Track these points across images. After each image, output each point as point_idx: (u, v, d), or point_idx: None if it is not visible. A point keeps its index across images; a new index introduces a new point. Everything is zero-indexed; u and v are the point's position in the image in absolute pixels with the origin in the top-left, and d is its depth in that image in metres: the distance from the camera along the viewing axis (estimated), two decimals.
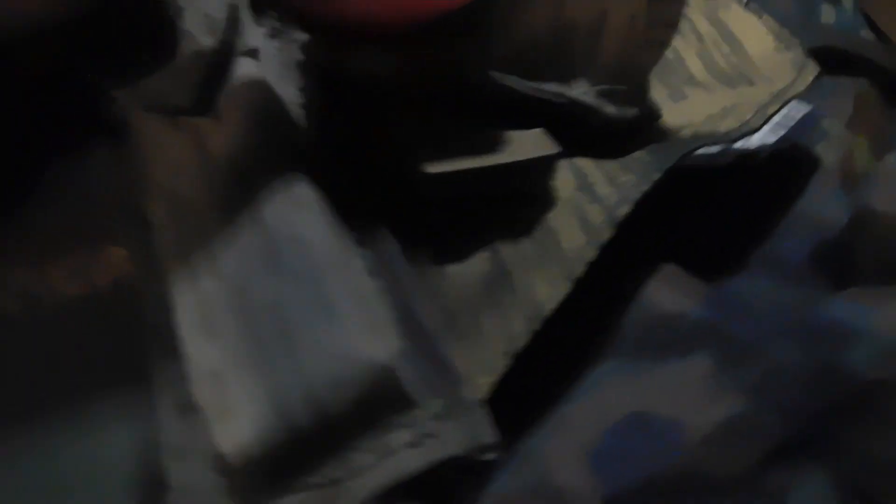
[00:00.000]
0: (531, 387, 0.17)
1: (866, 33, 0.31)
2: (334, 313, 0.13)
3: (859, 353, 0.17)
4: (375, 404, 0.12)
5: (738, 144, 0.20)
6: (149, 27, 0.15)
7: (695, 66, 0.25)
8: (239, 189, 0.15)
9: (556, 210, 0.18)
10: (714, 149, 0.20)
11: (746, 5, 0.28)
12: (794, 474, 0.16)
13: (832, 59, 0.27)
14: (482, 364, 0.16)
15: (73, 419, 0.15)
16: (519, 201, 0.18)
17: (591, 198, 0.18)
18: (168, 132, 0.16)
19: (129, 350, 0.15)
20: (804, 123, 0.24)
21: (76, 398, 0.16)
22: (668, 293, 0.18)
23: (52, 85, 0.16)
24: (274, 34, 0.17)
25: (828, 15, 0.30)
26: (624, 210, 0.17)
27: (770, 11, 0.28)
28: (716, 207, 0.21)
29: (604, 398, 0.17)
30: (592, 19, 0.18)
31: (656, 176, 0.17)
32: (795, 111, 0.23)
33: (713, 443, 0.16)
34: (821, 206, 0.22)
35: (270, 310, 0.13)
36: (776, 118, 0.23)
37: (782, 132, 0.22)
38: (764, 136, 0.22)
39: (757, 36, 0.26)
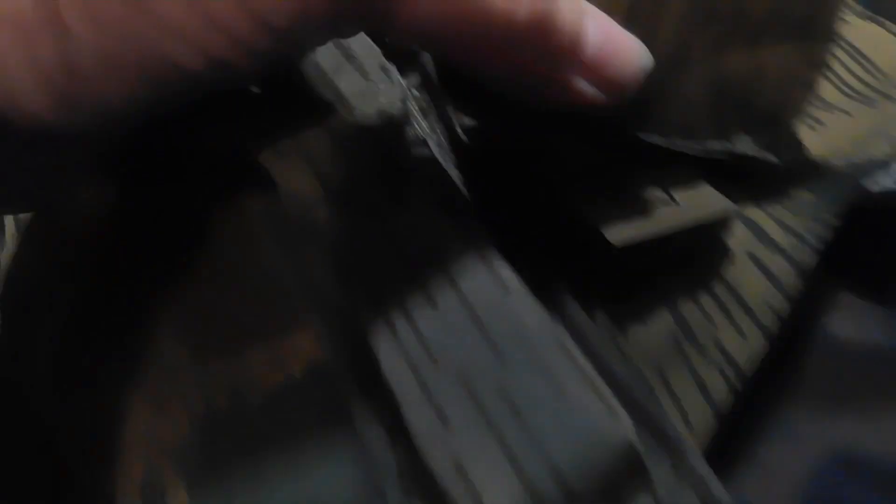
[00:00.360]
0: (724, 429, 0.17)
1: None
2: (568, 395, 0.13)
3: None
4: (620, 480, 0.13)
5: None
6: None
7: (825, 90, 0.25)
8: (437, 273, 0.16)
9: (734, 263, 0.18)
10: (884, 182, 0.19)
11: (864, 14, 0.27)
12: None
13: None
14: (688, 426, 0.16)
15: None
16: (696, 258, 0.18)
17: (768, 247, 0.18)
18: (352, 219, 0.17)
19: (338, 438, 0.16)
20: None
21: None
22: (853, 324, 0.18)
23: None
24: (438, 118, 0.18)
25: None
26: (810, 258, 0.17)
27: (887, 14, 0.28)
28: (882, 230, 0.21)
29: (803, 441, 0.17)
30: (748, 74, 0.18)
31: (832, 219, 0.17)
32: None
33: None
34: None
35: (500, 396, 0.14)
36: None
37: None
38: None
39: (884, 46, 0.26)
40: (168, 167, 0.18)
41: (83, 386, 0.19)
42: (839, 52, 0.26)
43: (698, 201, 0.17)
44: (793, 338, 0.18)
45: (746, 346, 0.17)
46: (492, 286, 0.15)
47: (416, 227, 0.16)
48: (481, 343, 0.14)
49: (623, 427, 0.13)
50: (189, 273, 0.19)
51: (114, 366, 0.19)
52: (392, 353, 0.15)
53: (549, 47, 0.14)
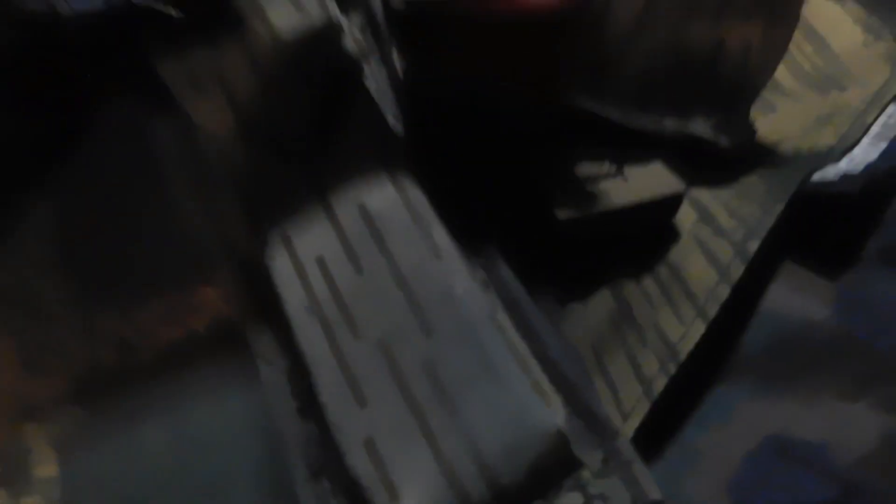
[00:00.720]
0: (658, 413, 0.16)
1: None
2: (499, 376, 0.12)
3: None
4: (549, 469, 0.12)
5: (846, 166, 0.19)
6: None
7: (780, 71, 0.24)
8: (364, 227, 0.14)
9: (679, 245, 0.17)
10: (829, 174, 0.19)
11: None
12: None
13: None
14: (619, 409, 0.15)
15: None
16: (641, 237, 0.17)
17: (714, 231, 0.17)
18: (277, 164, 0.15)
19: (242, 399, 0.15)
20: None
21: None
22: (797, 299, 0.18)
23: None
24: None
25: None
26: (754, 245, 0.16)
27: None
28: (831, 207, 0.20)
29: (737, 424, 0.17)
30: (708, 48, 0.17)
31: (778, 207, 0.17)
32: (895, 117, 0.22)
33: (872, 462, 0.16)
34: None
35: (424, 371, 0.12)
36: (875, 128, 0.22)
37: (884, 144, 0.21)
38: (866, 153, 0.21)
39: (842, 29, 0.25)
40: (73, 85, 0.16)
41: None
42: (797, 34, 0.25)
43: (649, 181, 0.16)
44: (734, 321, 0.18)
45: (684, 329, 0.17)
46: (423, 249, 0.14)
47: (342, 176, 0.15)
48: (407, 310, 0.13)
49: (553, 412, 0.12)
50: (81, 203, 0.17)
51: None
52: (305, 316, 0.13)
53: None
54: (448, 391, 0.12)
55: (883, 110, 0.22)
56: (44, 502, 0.15)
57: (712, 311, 0.16)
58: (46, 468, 0.15)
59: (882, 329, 0.18)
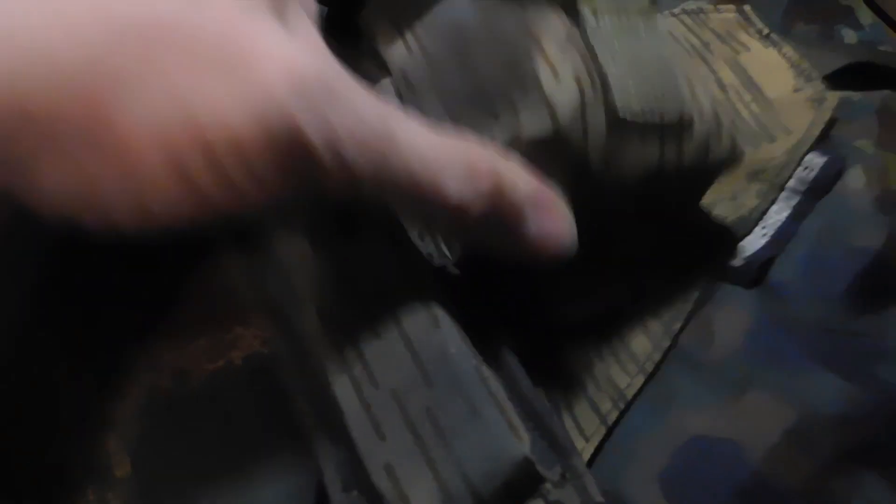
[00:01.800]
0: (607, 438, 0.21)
1: (887, 47, 0.32)
2: (481, 419, 0.17)
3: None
4: (519, 485, 0.17)
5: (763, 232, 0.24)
6: None
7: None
8: (381, 305, 0.19)
9: (627, 324, 0.22)
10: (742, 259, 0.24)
11: (767, 37, 0.29)
12: (855, 483, 0.20)
13: (858, 76, 0.29)
14: (582, 435, 0.21)
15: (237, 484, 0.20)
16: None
17: (652, 315, 0.22)
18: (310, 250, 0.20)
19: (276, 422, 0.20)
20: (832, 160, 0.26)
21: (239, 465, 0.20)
22: (724, 313, 0.23)
23: None
24: None
25: (849, 37, 0.32)
26: (678, 325, 0.22)
27: (792, 38, 0.30)
28: None
29: (670, 424, 0.21)
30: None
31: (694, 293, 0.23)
32: (813, 161, 0.26)
33: (775, 458, 0.20)
34: (855, 229, 0.24)
35: (426, 414, 0.17)
36: (791, 181, 0.25)
37: (797, 198, 0.25)
38: (780, 210, 0.24)
39: (777, 75, 0.28)
40: None
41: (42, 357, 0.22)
42: (737, 84, 0.28)
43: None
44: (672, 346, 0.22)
45: (629, 379, 0.22)
46: (426, 320, 0.18)
47: (364, 261, 0.19)
48: (413, 368, 0.18)
49: (522, 444, 0.17)
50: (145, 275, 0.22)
51: (68, 341, 0.22)
52: (340, 373, 0.18)
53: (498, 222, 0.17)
54: (444, 430, 0.17)
55: (800, 162, 0.26)
56: (122, 497, 0.20)
57: (650, 367, 0.22)
58: (123, 469, 0.21)
59: (792, 338, 0.22)
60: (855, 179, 0.25)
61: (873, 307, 0.23)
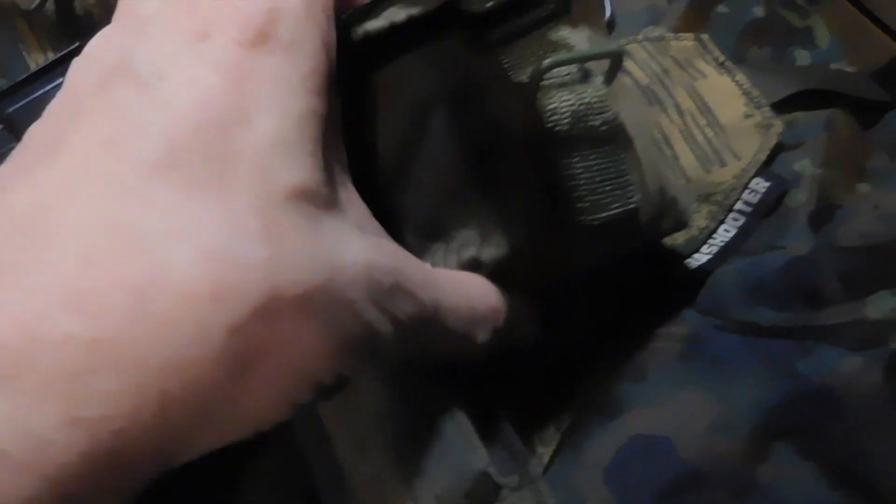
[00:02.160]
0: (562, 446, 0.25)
1: (842, 64, 0.35)
2: (450, 446, 0.21)
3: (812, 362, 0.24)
4: (481, 494, 0.20)
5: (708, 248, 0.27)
6: None
7: (679, 144, 0.30)
8: None
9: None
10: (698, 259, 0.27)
11: (722, 64, 0.32)
12: (782, 466, 0.22)
13: (805, 98, 0.32)
14: (541, 440, 0.25)
15: None
16: None
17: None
18: None
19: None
20: (775, 183, 0.29)
21: None
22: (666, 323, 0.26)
23: None
24: None
25: (802, 58, 0.34)
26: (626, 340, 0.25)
27: (746, 64, 0.33)
28: None
29: (615, 426, 0.25)
30: None
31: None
32: (759, 185, 0.29)
33: (704, 449, 0.23)
34: (788, 241, 0.27)
35: (405, 440, 0.21)
36: (738, 204, 0.28)
37: (743, 220, 0.28)
38: (727, 230, 0.27)
39: (729, 102, 0.30)
40: None
41: None
42: (693, 109, 0.31)
43: None
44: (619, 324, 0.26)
45: (583, 392, 0.25)
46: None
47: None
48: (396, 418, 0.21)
49: (482, 461, 0.20)
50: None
51: None
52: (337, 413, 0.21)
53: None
54: (419, 456, 0.20)
55: (746, 186, 0.29)
56: None
57: (600, 379, 0.26)
58: None
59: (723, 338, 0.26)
60: (794, 199, 0.28)
61: (797, 308, 0.26)
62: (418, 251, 0.21)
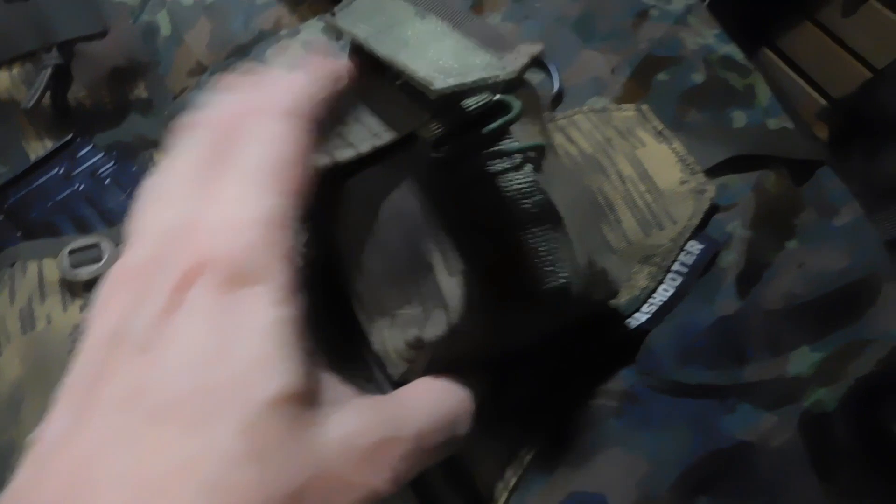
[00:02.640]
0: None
1: (780, 120, 0.37)
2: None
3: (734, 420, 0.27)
4: None
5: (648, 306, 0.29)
6: None
7: (621, 209, 0.32)
8: None
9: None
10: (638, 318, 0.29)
11: (661, 133, 0.34)
12: None
13: (739, 161, 0.34)
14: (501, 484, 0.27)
15: None
16: None
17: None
18: None
19: None
20: (708, 245, 0.31)
21: None
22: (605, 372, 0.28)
23: None
24: None
25: (739, 119, 0.37)
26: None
27: (685, 129, 0.35)
28: None
29: (557, 482, 0.27)
30: None
31: None
32: (693, 247, 0.31)
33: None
34: (718, 301, 0.30)
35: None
36: (675, 265, 0.31)
37: (679, 280, 0.30)
38: (665, 289, 0.30)
39: (666, 169, 0.33)
40: None
41: None
42: (634, 176, 0.33)
43: None
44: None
45: (530, 449, 0.28)
46: None
47: None
48: None
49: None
50: None
51: None
52: None
53: None
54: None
55: (682, 248, 0.31)
56: None
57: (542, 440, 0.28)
58: None
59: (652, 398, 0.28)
60: (724, 260, 0.31)
61: (723, 366, 0.28)
62: (367, 327, 0.24)
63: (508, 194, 0.22)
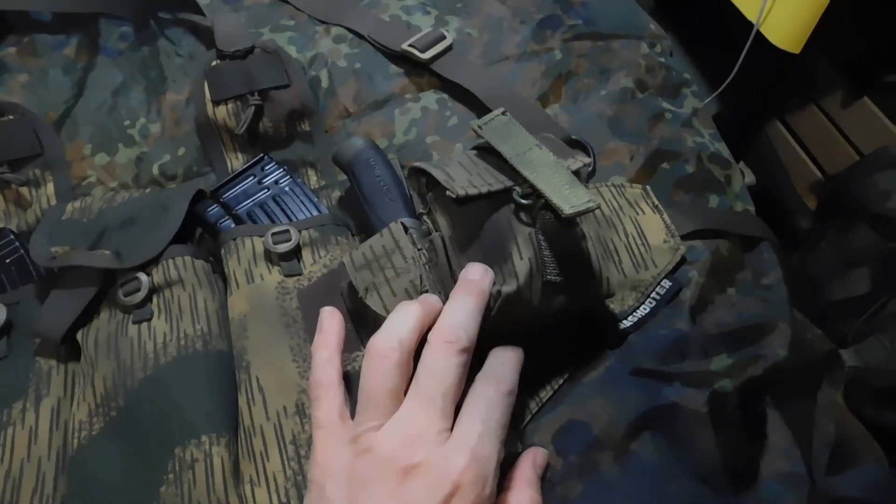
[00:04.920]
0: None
1: (744, 203, 0.54)
2: None
3: (671, 391, 0.44)
4: None
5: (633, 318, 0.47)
6: None
7: (623, 254, 0.49)
8: None
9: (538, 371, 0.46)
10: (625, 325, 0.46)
11: (656, 206, 0.52)
12: (645, 443, 0.41)
13: (705, 231, 0.51)
14: (528, 411, 0.44)
15: None
16: None
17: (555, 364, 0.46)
18: None
19: None
20: (675, 284, 0.48)
21: None
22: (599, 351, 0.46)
23: None
24: None
25: (713, 202, 0.53)
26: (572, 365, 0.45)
27: (673, 205, 0.52)
28: None
29: (561, 412, 0.44)
30: None
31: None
32: (665, 284, 0.48)
33: (604, 430, 0.42)
34: (677, 320, 0.47)
35: None
36: (652, 292, 0.48)
37: (654, 304, 0.47)
38: (645, 308, 0.47)
39: (656, 231, 0.50)
40: None
41: None
42: (634, 233, 0.50)
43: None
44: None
45: (546, 391, 0.45)
46: None
47: None
48: None
49: None
50: None
51: None
52: None
53: None
54: None
55: (659, 283, 0.48)
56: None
57: (557, 385, 0.45)
58: None
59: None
60: (684, 295, 0.48)
61: (674, 362, 0.45)
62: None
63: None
